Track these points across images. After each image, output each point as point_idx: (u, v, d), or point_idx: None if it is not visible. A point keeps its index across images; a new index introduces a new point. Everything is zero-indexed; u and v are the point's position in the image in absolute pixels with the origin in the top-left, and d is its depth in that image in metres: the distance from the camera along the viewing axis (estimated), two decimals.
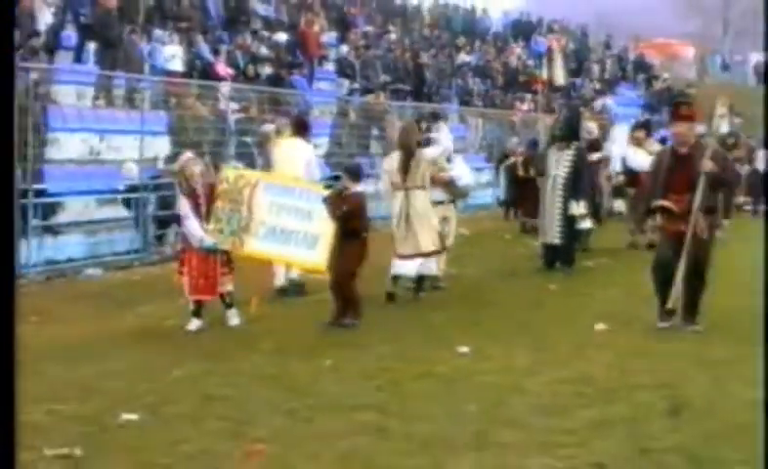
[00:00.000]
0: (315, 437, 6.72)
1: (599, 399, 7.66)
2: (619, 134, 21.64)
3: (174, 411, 7.39)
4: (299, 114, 15.81)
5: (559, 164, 15.00)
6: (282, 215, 10.33)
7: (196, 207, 10.15)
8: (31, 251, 13.96)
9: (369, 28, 30.80)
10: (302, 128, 13.50)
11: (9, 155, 2.10)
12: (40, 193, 14.56)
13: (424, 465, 6.12)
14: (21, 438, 6.66)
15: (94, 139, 16.58)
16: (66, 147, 15.95)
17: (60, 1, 19.73)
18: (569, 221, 14.90)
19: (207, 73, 20.92)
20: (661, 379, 8.25)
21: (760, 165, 27.69)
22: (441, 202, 13.19)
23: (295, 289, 12.45)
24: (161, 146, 17.05)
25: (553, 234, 15.00)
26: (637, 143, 17.63)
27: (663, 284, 10.13)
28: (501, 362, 8.97)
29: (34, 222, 14.15)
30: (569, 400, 7.64)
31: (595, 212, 15.40)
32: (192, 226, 10.07)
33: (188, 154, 11.17)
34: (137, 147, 16.67)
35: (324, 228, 10.36)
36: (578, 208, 14.92)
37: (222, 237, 10.11)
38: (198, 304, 10.26)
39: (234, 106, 19.91)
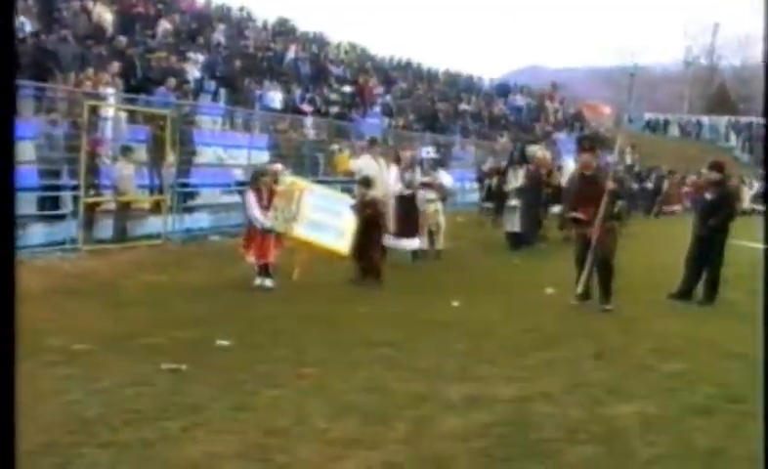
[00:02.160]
0: (347, 364, 6.05)
1: (548, 344, 6.93)
2: (567, 162, 20.84)
3: (253, 341, 6.75)
4: (372, 138, 15.07)
5: (516, 178, 14.62)
6: (320, 213, 9.82)
7: (260, 200, 9.58)
8: (175, 223, 13.49)
9: (404, 85, 30.32)
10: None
11: (9, 154, 1.43)
12: (183, 185, 14.22)
13: (422, 390, 5.42)
14: (145, 355, 6.14)
15: (220, 151, 16.46)
16: (204, 156, 15.66)
17: (204, 61, 19.49)
18: (528, 215, 14.27)
19: (296, 111, 20.53)
20: (589, 331, 7.51)
21: (648, 185, 28.45)
22: (433, 200, 12.70)
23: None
24: (263, 157, 16.44)
25: (515, 225, 14.44)
26: None
27: (579, 274, 9.01)
28: (482, 313, 8.24)
29: (177, 204, 13.73)
30: (527, 343, 6.92)
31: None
32: (256, 213, 9.51)
33: (276, 165, 10.99)
34: (246, 157, 16.20)
35: (349, 225, 9.86)
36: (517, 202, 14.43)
37: (277, 223, 9.53)
38: (265, 267, 9.55)
39: (313, 133, 19.51)
